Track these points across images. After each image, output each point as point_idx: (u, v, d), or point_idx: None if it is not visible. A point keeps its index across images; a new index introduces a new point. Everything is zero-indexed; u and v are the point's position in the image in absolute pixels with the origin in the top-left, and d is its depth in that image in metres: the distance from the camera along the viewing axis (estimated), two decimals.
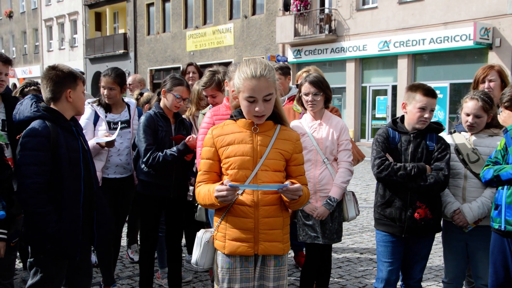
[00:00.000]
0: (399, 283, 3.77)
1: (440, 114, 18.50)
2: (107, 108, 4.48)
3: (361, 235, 6.85)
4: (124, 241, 5.73)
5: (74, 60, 36.65)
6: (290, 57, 24.02)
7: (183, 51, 29.85)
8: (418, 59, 20.14)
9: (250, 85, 2.54)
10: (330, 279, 4.33)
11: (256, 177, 2.59)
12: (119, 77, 4.44)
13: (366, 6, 21.51)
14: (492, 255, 3.38)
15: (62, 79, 3.09)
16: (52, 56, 39.58)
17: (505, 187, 3.24)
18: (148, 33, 32.41)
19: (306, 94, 3.89)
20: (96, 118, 4.41)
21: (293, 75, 6.83)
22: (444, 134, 3.66)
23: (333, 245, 4.22)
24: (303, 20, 23.14)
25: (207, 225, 4.40)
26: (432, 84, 3.67)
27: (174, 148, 4.03)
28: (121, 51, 33.44)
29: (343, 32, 22.05)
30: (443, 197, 3.61)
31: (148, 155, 3.97)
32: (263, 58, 2.76)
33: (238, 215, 2.62)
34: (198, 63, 7.21)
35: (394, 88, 20.62)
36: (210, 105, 4.53)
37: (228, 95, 3.90)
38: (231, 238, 2.63)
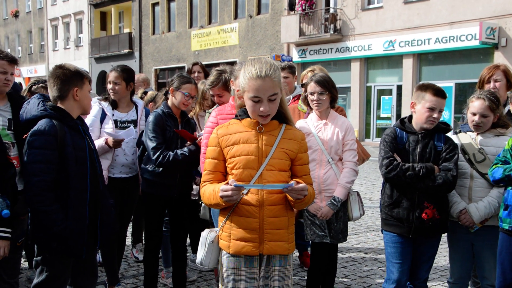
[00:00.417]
0: None
1: (446, 114, 18.43)
2: (114, 105, 4.48)
3: (366, 235, 6.84)
4: (129, 240, 5.74)
5: (79, 59, 36.76)
6: (295, 56, 23.99)
7: (188, 51, 29.88)
8: (424, 59, 20.07)
9: (255, 85, 2.53)
10: (335, 278, 4.32)
11: (261, 177, 2.59)
12: (125, 72, 4.45)
13: (371, 6, 21.46)
14: (500, 256, 3.36)
15: (69, 78, 3.11)
16: (58, 55, 39.71)
17: None
18: (153, 33, 32.46)
19: (312, 93, 3.88)
20: (103, 116, 4.42)
21: (298, 75, 6.82)
22: (449, 134, 3.65)
23: (338, 245, 4.21)
24: (308, 19, 23.11)
25: (211, 224, 4.40)
26: (438, 84, 3.63)
27: (186, 149, 4.03)
28: (126, 51, 33.52)
29: (348, 31, 22.01)
30: (449, 197, 3.60)
31: (159, 153, 3.97)
32: (268, 57, 2.75)
33: (243, 215, 2.61)
34: (203, 63, 7.22)
35: (399, 88, 20.57)
36: (217, 104, 4.53)
37: (234, 94, 3.90)
38: (236, 238, 2.62)
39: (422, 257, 3.62)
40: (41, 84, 4.73)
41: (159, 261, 4.62)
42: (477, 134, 3.64)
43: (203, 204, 4.41)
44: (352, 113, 21.91)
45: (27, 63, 43.02)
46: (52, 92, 3.14)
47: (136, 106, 4.62)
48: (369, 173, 12.56)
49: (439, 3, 18.88)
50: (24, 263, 5.09)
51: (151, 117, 4.13)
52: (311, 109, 4.01)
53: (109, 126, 4.40)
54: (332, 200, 3.80)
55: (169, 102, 4.23)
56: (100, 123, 4.40)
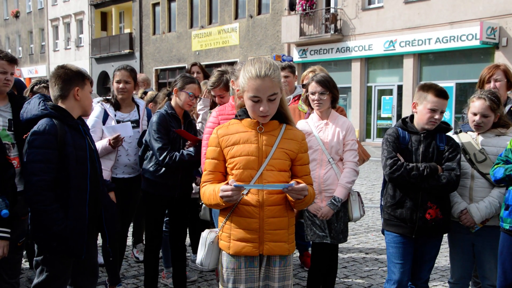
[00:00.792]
0: None
1: (446, 114, 18.38)
2: (116, 106, 4.48)
3: (366, 235, 6.83)
4: (129, 241, 5.74)
5: (80, 59, 36.78)
6: (296, 56, 23.99)
7: (189, 51, 29.88)
8: (424, 58, 20.06)
9: (254, 85, 2.53)
10: (336, 279, 4.32)
11: (261, 177, 2.58)
12: (134, 71, 4.50)
13: (372, 6, 21.45)
14: (501, 256, 3.35)
15: (70, 77, 3.13)
16: (58, 56, 39.73)
17: None
18: (154, 33, 32.46)
19: (313, 93, 3.88)
20: (105, 116, 4.42)
21: (299, 75, 6.82)
22: (450, 134, 3.64)
23: (339, 245, 4.21)
24: (308, 19, 23.11)
25: (211, 224, 4.40)
26: (438, 84, 3.61)
27: (191, 149, 4.04)
28: (127, 51, 33.52)
29: (349, 31, 22.01)
30: (450, 197, 3.59)
31: (165, 154, 3.97)
32: (268, 57, 2.74)
33: (243, 215, 2.61)
34: (204, 63, 7.22)
35: (400, 88, 20.56)
36: (218, 104, 4.53)
37: (234, 94, 3.90)
38: (236, 238, 2.62)
39: (424, 257, 3.61)
40: (43, 84, 4.73)
41: (160, 261, 4.62)
42: (478, 134, 3.63)
43: (203, 205, 4.41)
44: (352, 113, 21.91)
45: (28, 64, 43.04)
46: (53, 92, 3.15)
47: (138, 106, 4.63)
48: (370, 173, 12.55)
49: (439, 3, 18.87)
50: (25, 264, 5.09)
51: (154, 118, 4.13)
52: (312, 109, 4.01)
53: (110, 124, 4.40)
54: (333, 200, 3.80)
55: (173, 103, 4.23)
56: (103, 123, 4.41)
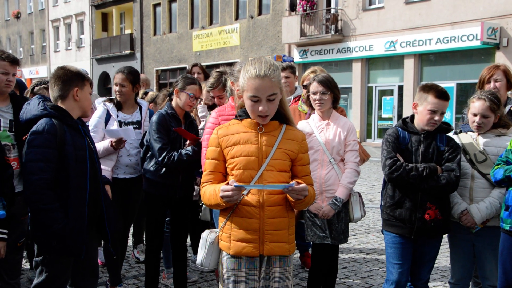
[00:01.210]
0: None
1: (447, 115, 18.40)
2: (119, 106, 4.49)
3: (367, 236, 6.83)
4: (130, 241, 5.74)
5: (81, 60, 36.80)
6: (296, 57, 23.99)
7: (189, 52, 29.89)
8: (425, 59, 20.05)
9: (254, 85, 2.53)
10: (336, 279, 4.32)
11: (261, 178, 2.58)
12: (131, 74, 4.47)
13: (372, 6, 21.44)
14: (501, 256, 3.35)
15: (70, 78, 3.14)
16: (59, 56, 39.75)
17: None
18: (155, 34, 32.47)
19: (314, 93, 3.88)
20: (108, 117, 4.44)
21: (299, 76, 6.82)
22: (450, 134, 3.63)
23: (339, 246, 4.21)
24: (309, 20, 23.10)
25: (212, 225, 4.40)
26: (439, 84, 3.59)
27: (190, 148, 4.04)
28: (128, 52, 33.54)
29: (349, 32, 22.00)
30: (450, 198, 3.59)
31: (164, 154, 3.98)
32: (269, 57, 2.74)
33: (243, 216, 2.61)
34: (204, 64, 7.22)
35: (401, 88, 20.55)
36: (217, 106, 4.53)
37: (233, 94, 3.90)
38: (236, 239, 2.62)
39: (423, 258, 3.60)
40: (43, 86, 4.74)
41: (160, 262, 4.62)
42: (478, 134, 3.63)
43: (203, 205, 4.42)
44: (353, 113, 21.89)
45: (29, 64, 43.06)
46: (53, 92, 3.16)
47: (140, 107, 4.64)
48: (371, 173, 12.55)
49: (440, 3, 18.86)
50: (25, 264, 5.09)
51: (154, 118, 4.14)
52: (313, 109, 4.01)
53: (114, 127, 4.41)
54: (334, 200, 3.79)
55: (173, 103, 4.23)
56: (105, 124, 4.42)
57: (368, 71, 22.00)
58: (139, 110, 4.62)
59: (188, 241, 5.12)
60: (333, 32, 22.09)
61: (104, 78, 34.11)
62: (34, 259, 3.12)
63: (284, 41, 24.24)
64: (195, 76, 5.98)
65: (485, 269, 3.61)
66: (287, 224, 2.67)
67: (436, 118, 3.42)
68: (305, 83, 4.75)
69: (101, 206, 3.26)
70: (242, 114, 2.70)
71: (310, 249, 4.97)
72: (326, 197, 3.85)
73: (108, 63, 34.72)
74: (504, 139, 3.55)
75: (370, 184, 11.32)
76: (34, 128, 3.01)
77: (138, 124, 4.54)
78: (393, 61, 20.98)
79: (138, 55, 33.40)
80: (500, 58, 17.23)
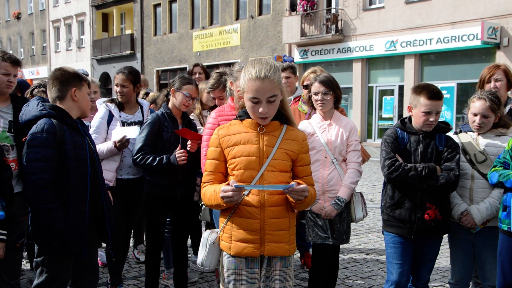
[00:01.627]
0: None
1: (447, 114, 18.41)
2: (120, 107, 4.50)
3: (367, 236, 6.83)
4: (130, 242, 5.74)
5: (81, 61, 36.81)
6: (297, 57, 23.99)
7: (190, 52, 29.90)
8: (425, 59, 20.05)
9: (254, 86, 2.53)
10: (337, 279, 4.32)
11: (262, 178, 2.59)
12: (132, 74, 4.47)
13: (373, 6, 21.44)
14: (500, 256, 3.35)
15: (67, 78, 3.16)
16: (60, 57, 39.77)
17: None
18: (155, 34, 32.48)
19: (316, 94, 3.88)
20: (110, 117, 4.44)
21: (300, 76, 6.82)
22: (450, 134, 3.63)
23: (340, 246, 4.21)
24: (309, 20, 23.11)
25: (211, 225, 4.40)
26: (439, 84, 3.61)
27: (165, 157, 4.01)
28: (128, 52, 33.56)
29: (350, 32, 22.00)
30: (450, 198, 3.58)
31: (140, 154, 4.01)
32: (269, 58, 2.75)
33: (244, 216, 2.61)
34: (205, 64, 7.23)
35: (401, 88, 20.54)
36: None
37: (232, 94, 3.90)
38: (237, 239, 2.62)
39: (423, 258, 3.60)
40: (42, 88, 4.74)
41: (161, 262, 4.62)
42: (478, 134, 3.63)
43: (203, 206, 4.41)
44: (354, 113, 21.89)
45: (29, 65, 43.08)
46: (51, 93, 3.18)
47: (142, 107, 4.64)
48: (371, 174, 12.54)
49: (440, 3, 18.86)
50: (25, 265, 5.10)
51: (149, 117, 4.17)
52: (314, 109, 4.01)
53: (117, 128, 4.41)
54: (337, 200, 3.79)
55: (170, 103, 4.24)
56: (107, 124, 4.42)
57: (369, 71, 22.00)
58: (141, 110, 4.62)
59: (189, 241, 5.12)
60: (333, 32, 22.09)
61: (105, 79, 34.11)
62: (34, 259, 3.12)
63: (284, 41, 24.25)
64: (197, 76, 5.98)
65: (485, 269, 3.61)
66: (288, 224, 2.67)
67: (432, 119, 3.42)
68: (305, 83, 4.75)
69: (101, 206, 3.26)
70: (243, 115, 2.71)
71: (311, 249, 4.97)
72: (328, 197, 3.84)
73: (109, 64, 34.74)
74: (504, 139, 3.54)
75: (371, 184, 11.32)
76: (33, 128, 3.02)
77: (140, 124, 4.54)
78: (394, 61, 20.98)
79: (138, 55, 33.41)
80: (500, 57, 17.22)
